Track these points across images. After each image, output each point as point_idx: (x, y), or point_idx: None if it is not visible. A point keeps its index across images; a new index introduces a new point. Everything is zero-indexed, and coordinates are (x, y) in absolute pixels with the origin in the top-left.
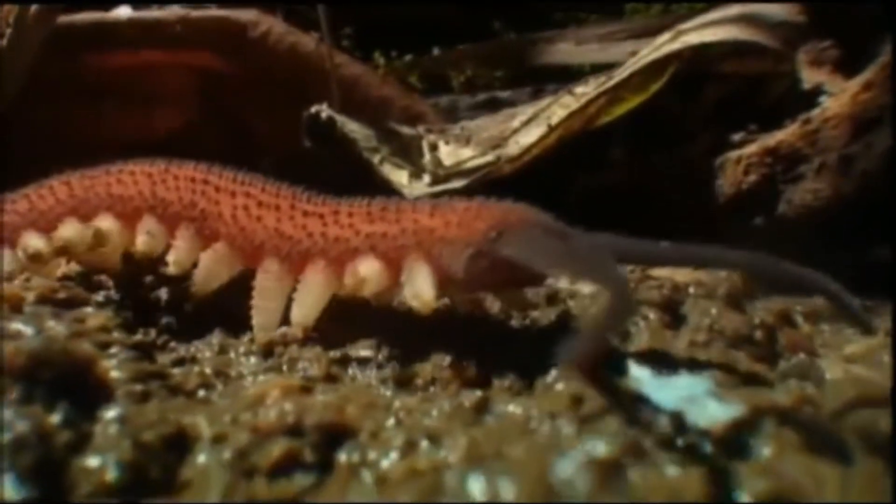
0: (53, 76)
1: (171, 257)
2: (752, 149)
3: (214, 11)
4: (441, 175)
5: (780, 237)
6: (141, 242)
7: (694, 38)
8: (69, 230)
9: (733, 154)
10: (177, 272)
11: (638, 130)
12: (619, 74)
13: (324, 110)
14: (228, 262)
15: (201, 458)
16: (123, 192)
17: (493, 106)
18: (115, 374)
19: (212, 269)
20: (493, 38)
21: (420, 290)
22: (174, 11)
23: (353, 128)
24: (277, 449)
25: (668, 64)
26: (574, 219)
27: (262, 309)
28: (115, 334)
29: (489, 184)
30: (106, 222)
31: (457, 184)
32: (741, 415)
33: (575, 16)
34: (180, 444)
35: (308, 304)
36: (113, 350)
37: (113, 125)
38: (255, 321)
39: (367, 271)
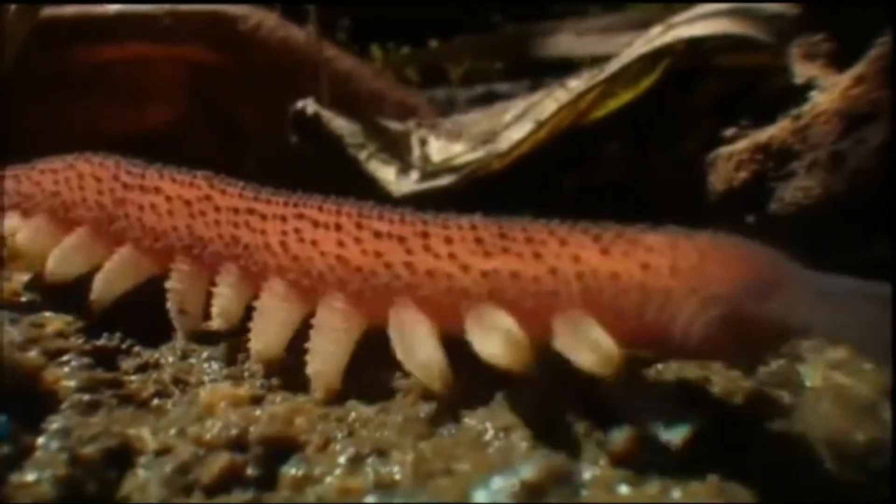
0: (43, 70)
1: (215, 310)
2: (742, 145)
3: (204, 5)
4: (429, 171)
5: (773, 236)
6: (179, 326)
7: (685, 32)
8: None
9: (724, 150)
10: (223, 327)
11: (635, 125)
12: (610, 68)
13: (309, 105)
14: (287, 307)
15: (142, 473)
16: (157, 225)
17: (491, 99)
18: (65, 382)
19: (272, 319)
20: (491, 30)
21: (599, 341)
22: (163, 6)
23: (340, 124)
24: (219, 463)
25: (660, 58)
26: (566, 215)
27: (321, 357)
28: (73, 340)
29: (479, 181)
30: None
31: (445, 181)
32: (697, 430)
33: (575, 7)
34: (123, 457)
35: (418, 358)
36: (67, 357)
37: (103, 119)
38: (312, 372)
39: (501, 326)
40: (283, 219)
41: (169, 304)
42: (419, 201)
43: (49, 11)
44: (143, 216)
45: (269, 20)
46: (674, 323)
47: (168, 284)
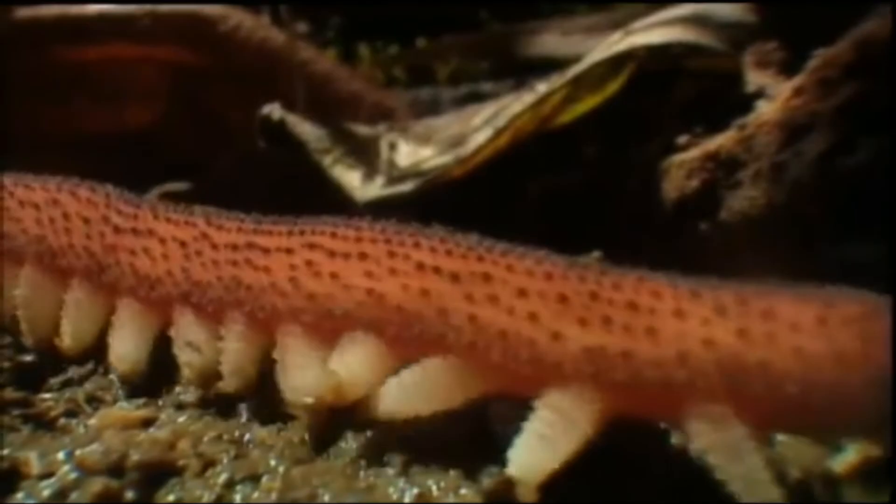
0: (23, 70)
1: (226, 367)
2: (693, 153)
3: (184, 6)
4: (395, 176)
5: (725, 244)
6: (186, 363)
7: (641, 39)
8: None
9: (677, 158)
10: (235, 389)
11: (606, 129)
12: (569, 73)
13: (275, 111)
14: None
15: (20, 497)
16: (150, 272)
17: (476, 99)
18: None
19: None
20: (478, 30)
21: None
22: (143, 6)
23: (305, 129)
24: (93, 489)
25: (622, 63)
26: (533, 221)
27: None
28: None
29: (443, 186)
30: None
31: (409, 186)
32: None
33: (563, 6)
34: (10, 480)
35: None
36: None
37: (84, 120)
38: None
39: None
40: (290, 251)
41: (180, 360)
42: (383, 208)
43: (29, 12)
44: (136, 264)
45: (247, 21)
46: (845, 414)
47: (173, 332)
